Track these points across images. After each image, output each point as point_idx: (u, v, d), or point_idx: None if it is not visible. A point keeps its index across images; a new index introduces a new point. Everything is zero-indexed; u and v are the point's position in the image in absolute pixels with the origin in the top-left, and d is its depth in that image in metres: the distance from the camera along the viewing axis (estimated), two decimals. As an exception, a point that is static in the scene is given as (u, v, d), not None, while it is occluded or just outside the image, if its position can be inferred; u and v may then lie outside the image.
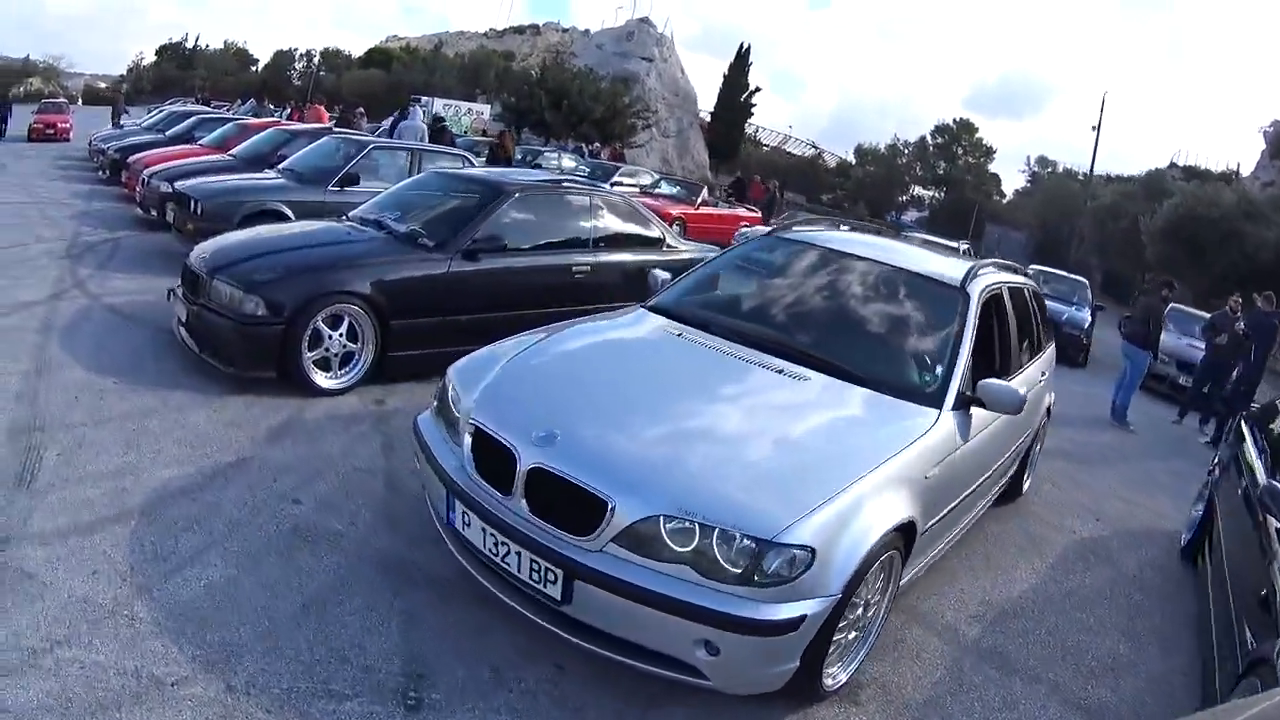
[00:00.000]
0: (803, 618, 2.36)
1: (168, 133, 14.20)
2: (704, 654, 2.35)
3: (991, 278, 3.98)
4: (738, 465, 2.59)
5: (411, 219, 5.43)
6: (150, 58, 66.67)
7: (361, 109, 20.34)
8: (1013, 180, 61.53)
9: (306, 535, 3.24)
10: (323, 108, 21.41)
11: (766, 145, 49.11)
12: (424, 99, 26.88)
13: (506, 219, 5.34)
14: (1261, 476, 4.08)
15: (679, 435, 2.73)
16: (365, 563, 3.12)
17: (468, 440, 2.80)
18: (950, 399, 3.23)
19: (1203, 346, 10.06)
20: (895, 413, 3.09)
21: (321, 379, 4.65)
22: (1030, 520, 5.07)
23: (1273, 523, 3.40)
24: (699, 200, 16.30)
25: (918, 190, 50.33)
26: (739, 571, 2.33)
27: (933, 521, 3.10)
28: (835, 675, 2.79)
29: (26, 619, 2.50)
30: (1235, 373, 9.42)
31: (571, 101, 29.39)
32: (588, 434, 2.67)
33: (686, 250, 6.61)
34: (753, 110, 42.04)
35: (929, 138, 49.38)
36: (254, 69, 63.77)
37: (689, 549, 2.36)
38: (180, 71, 59.05)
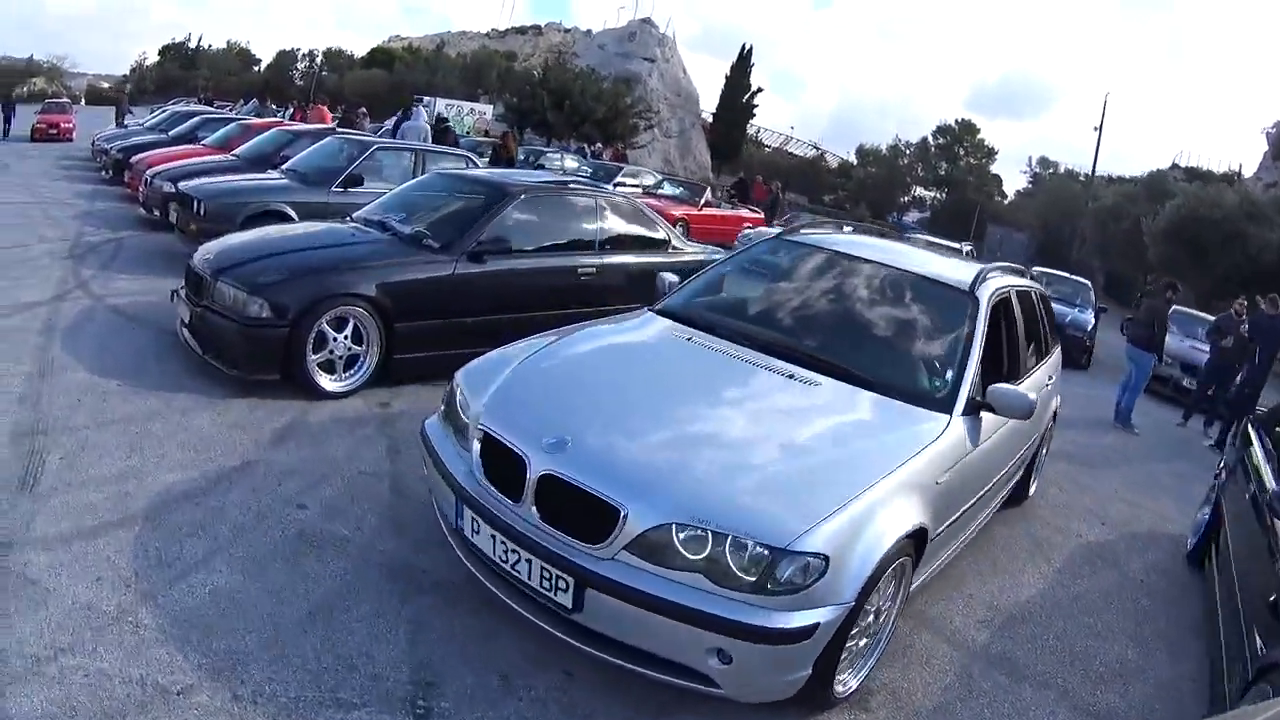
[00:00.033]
0: (816, 626, 2.34)
1: (171, 133, 14.19)
2: (716, 662, 2.33)
3: (1000, 281, 3.98)
4: (750, 472, 2.57)
5: (416, 220, 5.41)
6: (153, 58, 66.94)
7: (364, 109, 20.34)
8: (1014, 181, 61.43)
9: (312, 541, 3.21)
10: (326, 108, 21.39)
11: (768, 146, 49.10)
12: (426, 99, 26.83)
13: (512, 220, 5.32)
14: (1270, 481, 4.06)
15: (689, 441, 2.71)
16: (372, 568, 3.09)
17: (476, 446, 2.77)
18: (960, 404, 3.21)
19: (1206, 349, 10.02)
20: (906, 418, 3.07)
21: (326, 382, 4.63)
22: (1036, 524, 5.06)
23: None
24: (702, 201, 16.29)
25: (919, 191, 50.31)
26: (752, 579, 2.31)
27: (943, 527, 3.09)
28: (846, 682, 2.77)
29: (30, 626, 2.48)
30: (1239, 376, 9.40)
31: (574, 102, 29.41)
32: (598, 440, 2.64)
33: (692, 252, 6.59)
34: (754, 111, 42.09)
35: (930, 138, 49.35)
36: (256, 69, 63.91)
37: (701, 557, 2.34)
38: (183, 71, 59.21)
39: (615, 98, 31.28)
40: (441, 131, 13.44)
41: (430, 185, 6.26)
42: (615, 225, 6.02)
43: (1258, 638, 3.00)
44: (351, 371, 4.74)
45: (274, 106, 24.10)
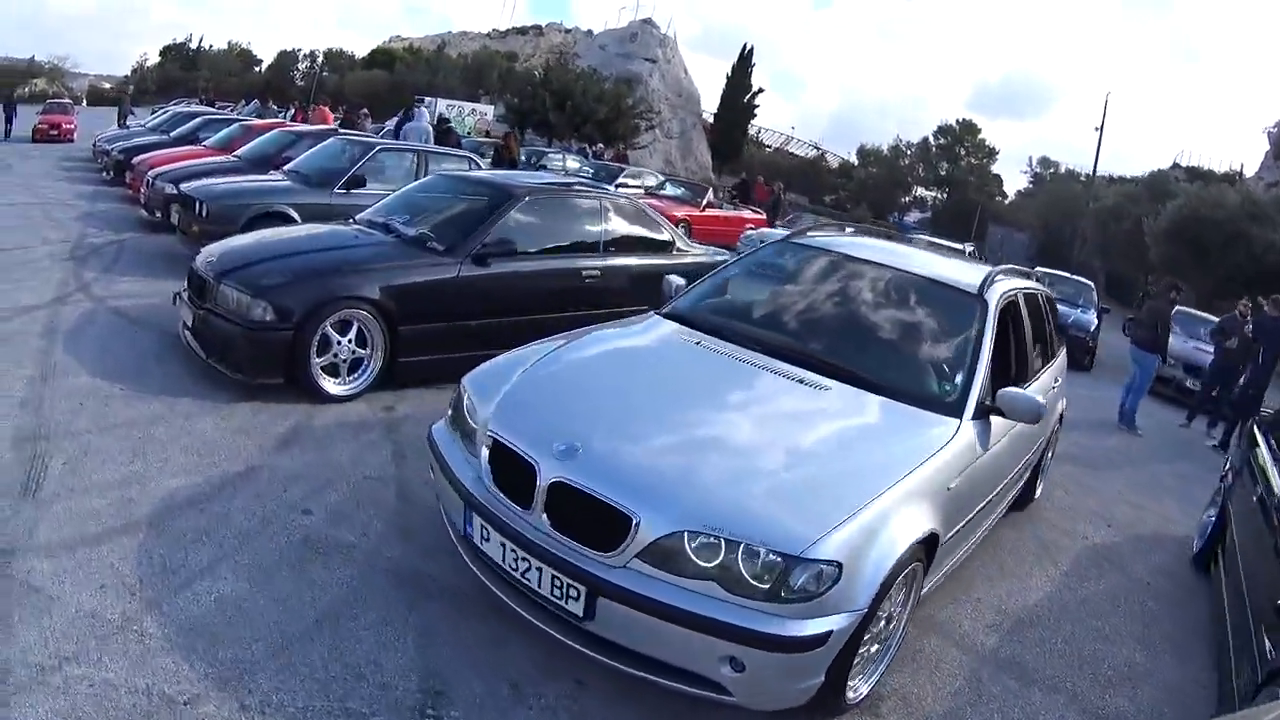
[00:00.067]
0: (829, 634, 2.32)
1: (172, 133, 14.18)
2: (729, 670, 2.31)
3: (1008, 284, 3.97)
4: (762, 478, 2.55)
5: (420, 222, 5.39)
6: (154, 58, 66.94)
7: (366, 110, 20.31)
8: (1015, 181, 61.50)
9: (318, 547, 3.18)
10: (327, 109, 21.37)
11: (769, 146, 49.11)
12: (427, 99, 26.80)
13: (516, 223, 5.29)
14: (1278, 484, 4.04)
15: (701, 447, 2.69)
16: (379, 575, 3.07)
17: (485, 453, 2.75)
18: (970, 408, 3.20)
19: (1209, 349, 9.99)
20: (916, 422, 3.05)
21: (330, 385, 4.60)
22: (1043, 526, 5.05)
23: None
24: (704, 202, 16.26)
25: (920, 191, 50.27)
26: (766, 587, 2.29)
27: (953, 532, 3.07)
28: (857, 688, 2.75)
29: (34, 634, 2.46)
30: (1243, 377, 9.38)
31: (575, 102, 29.38)
32: (610, 447, 2.62)
33: (696, 254, 6.57)
34: (755, 111, 42.09)
35: (931, 138, 49.33)
36: (257, 69, 63.89)
37: (714, 564, 2.32)
38: (184, 72, 59.23)
39: (617, 98, 31.24)
40: (444, 132, 13.41)
41: (434, 187, 6.23)
42: (619, 227, 6.00)
43: (1266, 641, 2.99)
44: (356, 375, 4.71)
45: (275, 107, 24.04)
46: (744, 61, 40.61)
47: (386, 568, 3.12)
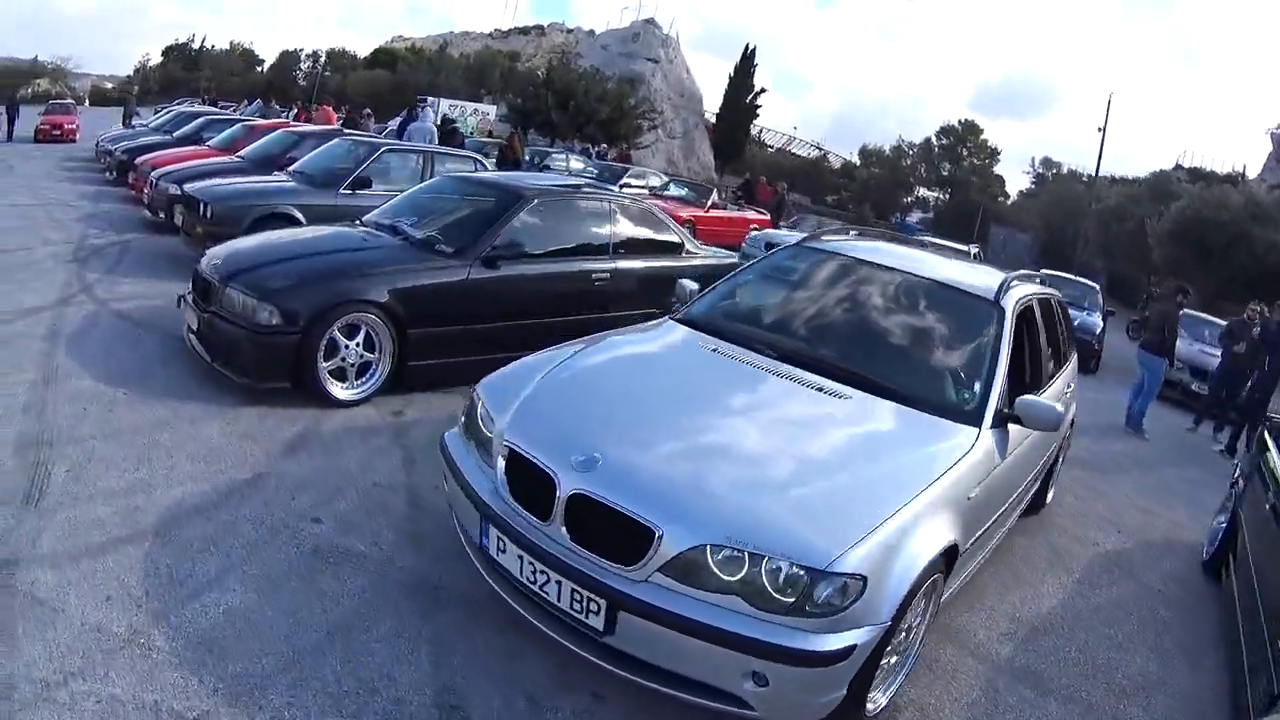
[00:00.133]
0: (853, 647, 2.28)
1: (175, 134, 14.13)
2: (752, 685, 2.27)
3: (1023, 290, 3.94)
4: (785, 490, 2.51)
5: (428, 225, 5.33)
6: (156, 58, 66.97)
7: (369, 110, 20.27)
8: (1017, 182, 61.18)
9: (328, 557, 3.13)
10: (330, 109, 21.33)
11: (771, 146, 49.06)
12: (429, 99, 26.75)
13: (526, 225, 5.24)
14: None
15: (722, 458, 2.65)
16: (390, 585, 3.01)
17: (501, 464, 2.70)
18: (989, 417, 3.16)
19: (1214, 352, 9.94)
20: (936, 432, 3.01)
21: (338, 390, 4.54)
22: (1054, 533, 5.02)
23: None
24: (709, 203, 16.20)
25: (922, 192, 50.14)
26: (790, 601, 2.25)
27: (972, 541, 3.03)
28: (876, 700, 2.71)
29: (39, 648, 2.40)
30: (1250, 381, 9.34)
31: (578, 102, 29.36)
32: (629, 458, 2.57)
33: (706, 256, 6.52)
34: (758, 111, 42.03)
35: (934, 139, 49.17)
36: (259, 69, 63.89)
37: (737, 578, 2.28)
38: (186, 72, 59.30)
39: (619, 98, 31.21)
40: (449, 133, 13.37)
41: (441, 188, 6.17)
42: (628, 229, 5.95)
43: (1282, 649, 2.96)
44: (364, 379, 4.66)
45: (278, 107, 23.99)
46: (746, 61, 40.57)
47: (398, 578, 3.07)
